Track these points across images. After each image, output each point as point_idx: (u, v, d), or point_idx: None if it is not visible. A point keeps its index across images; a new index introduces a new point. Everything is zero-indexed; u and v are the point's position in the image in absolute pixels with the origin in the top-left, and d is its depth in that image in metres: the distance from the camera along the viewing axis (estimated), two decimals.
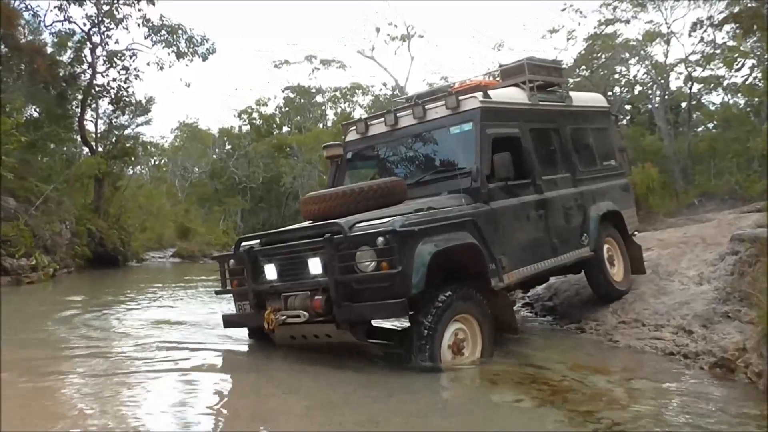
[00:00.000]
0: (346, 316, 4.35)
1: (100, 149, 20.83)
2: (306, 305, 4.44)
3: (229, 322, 5.24)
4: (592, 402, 4.01)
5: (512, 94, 5.89)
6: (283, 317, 4.52)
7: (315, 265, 4.47)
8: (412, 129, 5.72)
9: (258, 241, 5.02)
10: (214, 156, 37.38)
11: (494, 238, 5.01)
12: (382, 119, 5.93)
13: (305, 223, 5.25)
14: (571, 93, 6.69)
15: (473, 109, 5.32)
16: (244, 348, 5.45)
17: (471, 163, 5.16)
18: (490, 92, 5.53)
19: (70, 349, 5.69)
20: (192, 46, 21.30)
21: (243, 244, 5.04)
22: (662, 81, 26.16)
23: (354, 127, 6.22)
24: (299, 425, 3.56)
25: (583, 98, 7.11)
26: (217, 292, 5.42)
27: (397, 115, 5.80)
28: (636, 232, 7.26)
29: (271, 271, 4.72)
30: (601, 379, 4.69)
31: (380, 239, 4.22)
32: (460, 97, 5.41)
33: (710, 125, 28.75)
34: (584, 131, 6.74)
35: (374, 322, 5.17)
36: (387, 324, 5.57)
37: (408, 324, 4.59)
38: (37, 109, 19.15)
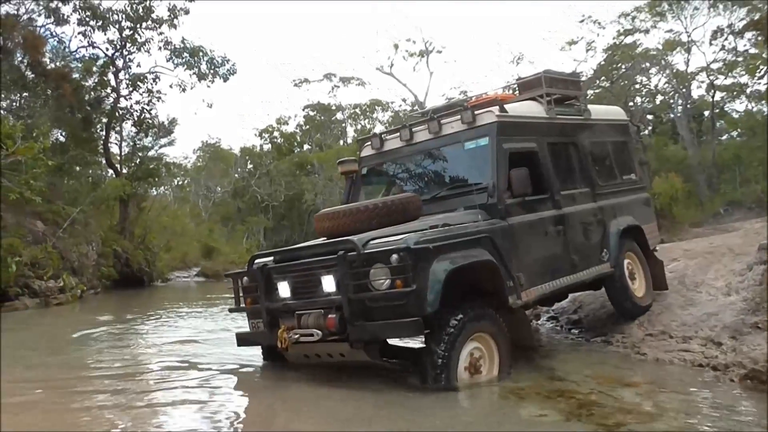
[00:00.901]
0: (359, 335, 4.27)
1: (124, 171, 21.27)
2: (319, 324, 4.37)
3: (242, 340, 5.17)
4: (620, 415, 3.91)
5: (529, 108, 5.80)
6: (296, 336, 4.45)
7: (328, 283, 4.41)
8: (428, 144, 5.64)
9: (271, 258, 4.96)
10: (237, 175, 37.78)
11: (511, 255, 4.89)
12: (398, 134, 5.86)
13: (319, 240, 5.19)
14: (590, 106, 6.57)
15: (489, 124, 5.23)
16: (259, 366, 5.40)
17: (487, 179, 5.06)
18: (506, 106, 5.44)
19: (94, 372, 5.75)
20: (213, 67, 21.75)
21: (256, 261, 4.95)
22: (684, 90, 25.89)
23: (369, 143, 6.15)
24: None
25: (601, 111, 6.98)
26: (230, 310, 5.38)
27: (413, 130, 5.73)
28: (659, 246, 7.12)
29: (284, 289, 4.67)
30: (629, 392, 4.59)
31: (394, 257, 4.14)
32: (476, 112, 5.32)
33: (734, 133, 28.32)
34: (603, 145, 6.63)
35: (389, 341, 5.04)
36: (402, 342, 5.49)
37: (423, 344, 4.48)
38: (63, 133, 19.64)
